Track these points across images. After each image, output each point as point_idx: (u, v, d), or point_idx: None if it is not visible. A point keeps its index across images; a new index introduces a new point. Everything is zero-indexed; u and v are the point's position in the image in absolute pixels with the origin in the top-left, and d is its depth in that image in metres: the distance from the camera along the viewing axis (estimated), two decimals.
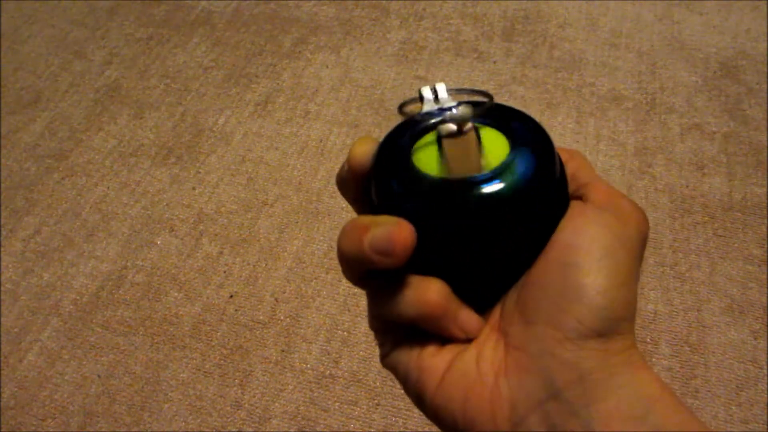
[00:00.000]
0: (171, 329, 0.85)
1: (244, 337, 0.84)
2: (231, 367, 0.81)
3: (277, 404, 0.78)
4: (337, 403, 0.78)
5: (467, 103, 0.26)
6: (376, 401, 0.77)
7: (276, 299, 0.87)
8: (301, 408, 0.77)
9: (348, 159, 0.26)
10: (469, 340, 0.25)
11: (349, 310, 0.85)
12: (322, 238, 0.93)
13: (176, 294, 0.89)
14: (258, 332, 0.84)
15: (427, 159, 0.25)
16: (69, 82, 1.20)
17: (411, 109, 0.26)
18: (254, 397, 0.79)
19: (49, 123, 1.13)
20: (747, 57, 1.13)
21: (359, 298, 0.86)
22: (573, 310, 0.22)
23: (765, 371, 0.77)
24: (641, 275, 0.86)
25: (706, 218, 0.92)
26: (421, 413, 0.25)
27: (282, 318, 0.85)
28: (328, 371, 0.80)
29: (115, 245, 0.95)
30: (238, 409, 0.78)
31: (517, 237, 0.24)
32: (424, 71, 1.15)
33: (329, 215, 0.95)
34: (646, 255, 0.88)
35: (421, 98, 0.26)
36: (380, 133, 1.01)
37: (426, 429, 0.74)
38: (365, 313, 0.82)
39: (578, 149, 1.01)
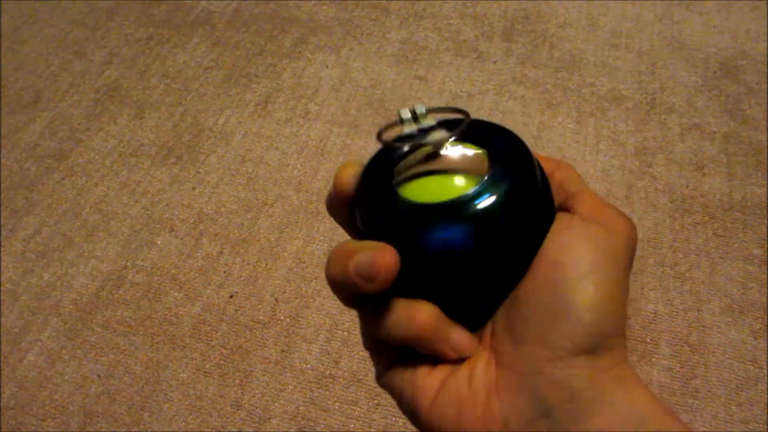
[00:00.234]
0: (171, 329, 0.85)
1: (244, 337, 0.84)
2: (231, 367, 0.81)
3: (277, 404, 0.78)
4: (337, 403, 0.78)
5: (447, 121, 0.26)
6: (376, 401, 0.77)
7: (276, 299, 0.87)
8: (301, 408, 0.77)
9: (333, 184, 0.26)
10: (462, 360, 0.25)
11: (349, 310, 0.85)
12: (322, 238, 0.93)
13: (176, 294, 0.89)
14: (258, 332, 0.84)
15: (409, 184, 0.25)
16: (69, 82, 1.20)
17: (391, 131, 0.26)
18: (254, 397, 0.79)
19: (49, 123, 1.13)
20: (747, 57, 1.13)
21: None
22: (561, 328, 0.22)
23: (765, 371, 0.77)
24: (641, 276, 0.86)
25: (706, 218, 0.92)
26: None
27: (282, 318, 0.85)
28: (328, 371, 0.80)
29: (115, 245, 0.95)
30: (238, 409, 0.78)
31: (501, 254, 0.24)
32: (424, 71, 1.15)
33: (329, 215, 0.95)
34: (646, 255, 0.88)
35: (401, 120, 0.26)
36: None
37: None
38: None
39: (578, 149, 1.01)
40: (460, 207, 0.24)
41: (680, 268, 0.86)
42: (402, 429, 0.75)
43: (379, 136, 0.26)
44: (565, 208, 0.25)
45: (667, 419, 0.21)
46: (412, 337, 0.24)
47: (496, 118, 1.06)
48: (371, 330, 0.25)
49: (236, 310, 0.86)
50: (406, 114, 0.26)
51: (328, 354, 0.82)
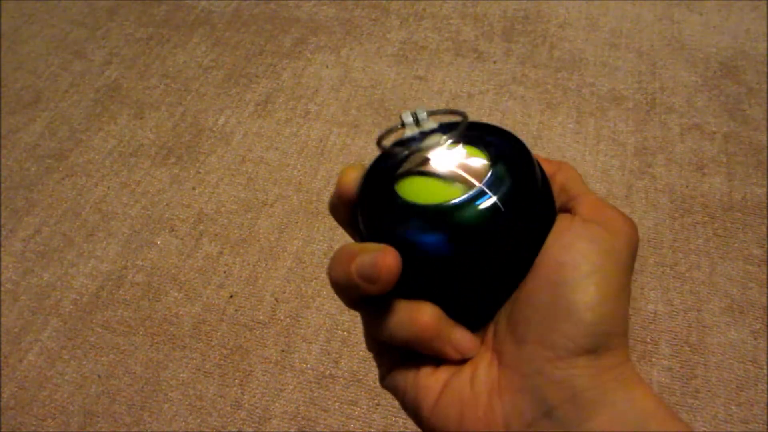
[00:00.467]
0: (171, 329, 0.85)
1: (244, 337, 0.84)
2: (231, 367, 0.81)
3: (277, 404, 0.78)
4: (337, 403, 0.78)
5: (448, 124, 0.26)
6: (376, 401, 0.77)
7: (276, 299, 0.87)
8: (301, 408, 0.77)
9: (336, 187, 0.27)
10: (465, 361, 0.25)
11: (349, 310, 0.85)
12: (322, 238, 0.93)
13: (176, 294, 0.89)
14: (258, 332, 0.84)
15: (409, 185, 0.25)
16: (69, 82, 1.20)
17: (393, 134, 0.26)
18: (254, 397, 0.79)
19: (49, 123, 1.13)
20: (747, 57, 1.13)
21: None
22: (563, 329, 0.22)
23: (765, 371, 0.77)
24: (641, 276, 0.86)
25: (706, 218, 0.92)
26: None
27: (282, 318, 0.85)
28: (328, 371, 0.80)
29: (115, 245, 0.95)
30: (238, 409, 0.78)
31: (502, 255, 0.24)
32: (424, 71, 1.15)
33: (329, 215, 0.95)
34: (646, 255, 0.88)
35: (402, 124, 0.26)
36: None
37: None
38: None
39: (578, 149, 1.01)
40: (460, 208, 0.24)
41: (680, 268, 0.86)
42: (402, 429, 0.75)
43: (378, 142, 0.26)
44: (567, 210, 0.25)
45: (669, 420, 0.21)
46: (414, 338, 0.24)
47: (496, 119, 1.06)
48: (374, 331, 0.25)
49: (236, 310, 0.86)
50: (408, 117, 0.26)
51: (328, 354, 0.82)
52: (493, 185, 0.24)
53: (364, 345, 0.82)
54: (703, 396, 0.75)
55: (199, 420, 0.77)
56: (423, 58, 1.18)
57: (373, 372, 0.80)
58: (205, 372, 0.81)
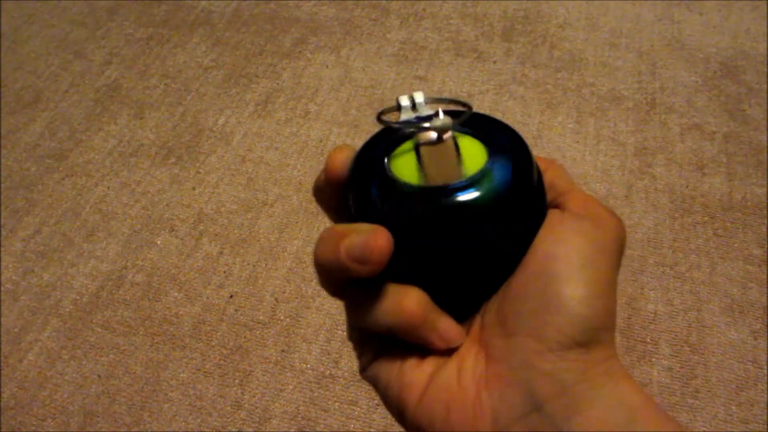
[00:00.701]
0: (171, 329, 0.85)
1: (244, 337, 0.84)
2: (231, 367, 0.81)
3: (277, 404, 0.78)
4: (337, 403, 0.78)
5: (448, 113, 0.26)
6: (376, 401, 0.77)
7: (276, 299, 0.87)
8: (301, 408, 0.77)
9: (325, 167, 0.26)
10: (450, 351, 0.24)
11: None
12: None
13: (176, 294, 0.89)
14: (258, 332, 0.84)
15: (404, 167, 0.25)
16: (69, 82, 1.20)
17: (389, 117, 0.25)
18: (254, 397, 0.79)
19: (49, 123, 1.13)
20: (747, 57, 1.13)
21: None
22: (553, 321, 0.22)
23: (765, 371, 0.77)
24: (641, 276, 0.86)
25: (706, 218, 0.92)
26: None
27: (282, 318, 0.85)
28: (328, 371, 0.80)
29: (115, 245, 0.95)
30: (238, 409, 0.78)
31: (495, 244, 0.24)
32: (424, 71, 1.15)
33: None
34: (646, 255, 0.88)
35: (398, 107, 0.26)
36: None
37: None
38: None
39: (578, 149, 1.01)
40: (456, 192, 0.23)
41: (680, 268, 0.86)
42: (402, 429, 0.75)
43: (379, 116, 0.25)
44: (556, 206, 0.25)
45: (657, 415, 0.21)
46: (399, 324, 0.23)
47: None
48: (357, 318, 0.25)
49: (236, 310, 0.86)
50: (405, 101, 0.25)
51: (328, 354, 0.82)
52: (490, 174, 0.24)
53: None
54: (703, 396, 0.75)
55: (199, 420, 0.77)
56: (423, 58, 1.18)
57: None
58: (205, 372, 0.81)
